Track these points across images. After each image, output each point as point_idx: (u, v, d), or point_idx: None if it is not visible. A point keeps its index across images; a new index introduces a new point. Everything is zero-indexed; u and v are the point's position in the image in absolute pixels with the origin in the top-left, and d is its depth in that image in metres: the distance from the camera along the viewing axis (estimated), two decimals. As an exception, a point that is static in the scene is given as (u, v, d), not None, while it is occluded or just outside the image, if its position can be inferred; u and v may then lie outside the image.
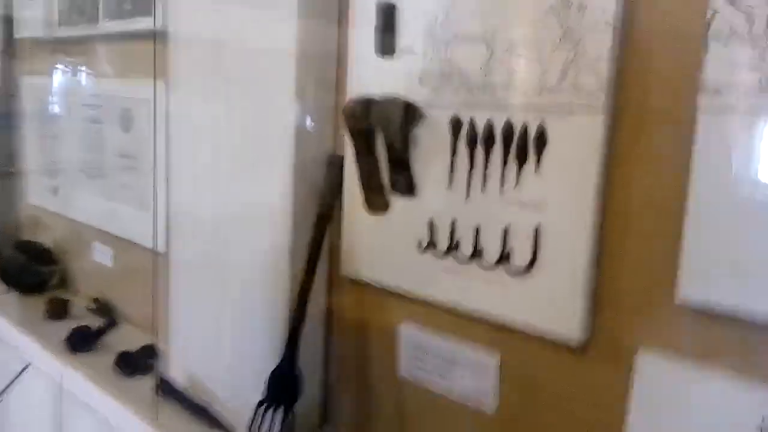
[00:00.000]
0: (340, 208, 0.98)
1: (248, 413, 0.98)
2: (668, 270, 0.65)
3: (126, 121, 1.40)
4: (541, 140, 0.73)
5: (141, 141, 1.36)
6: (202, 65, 1.11)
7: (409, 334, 0.92)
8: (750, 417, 0.61)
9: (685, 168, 0.63)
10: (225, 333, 1.11)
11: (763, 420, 0.61)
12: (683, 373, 0.66)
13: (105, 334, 1.39)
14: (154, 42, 1.11)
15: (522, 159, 0.75)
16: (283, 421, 0.93)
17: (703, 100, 0.62)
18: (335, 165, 0.97)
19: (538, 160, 0.74)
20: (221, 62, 1.07)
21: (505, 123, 0.76)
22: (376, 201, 0.92)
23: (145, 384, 1.21)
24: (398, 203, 0.90)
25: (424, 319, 0.91)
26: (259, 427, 0.94)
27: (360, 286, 0.99)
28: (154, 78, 1.13)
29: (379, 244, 0.93)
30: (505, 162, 0.77)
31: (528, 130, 0.74)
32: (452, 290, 0.85)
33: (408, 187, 0.88)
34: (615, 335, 0.71)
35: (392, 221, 0.91)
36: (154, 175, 1.17)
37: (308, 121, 0.97)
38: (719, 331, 0.64)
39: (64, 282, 1.76)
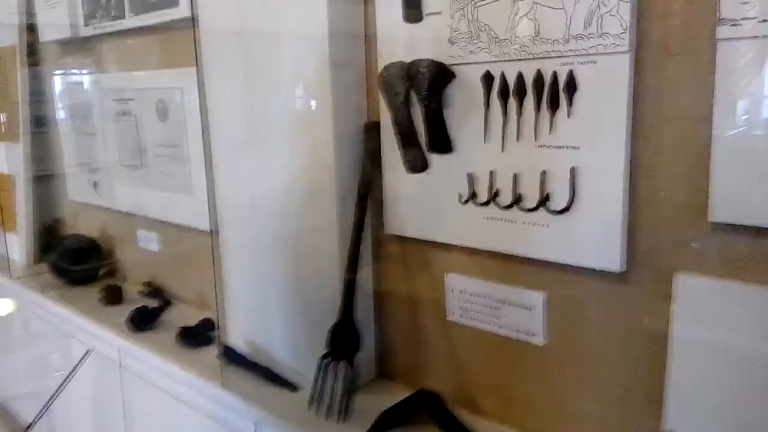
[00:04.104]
0: (381, 171, 1.04)
1: (307, 371, 1.05)
2: (699, 194, 0.71)
3: (161, 111, 1.47)
4: (571, 86, 0.78)
5: (178, 128, 1.43)
6: (233, 50, 1.16)
7: (456, 281, 0.99)
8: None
9: (709, 97, 0.69)
10: (281, 299, 1.19)
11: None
12: (719, 288, 0.72)
13: (162, 313, 1.48)
14: (194, 26, 1.16)
15: (554, 106, 0.80)
16: (346, 372, 1.00)
17: (721, 32, 0.66)
18: (373, 131, 1.03)
19: (570, 106, 0.79)
20: (252, 46, 1.12)
21: (535, 73, 0.81)
22: (415, 161, 0.98)
23: (207, 354, 1.30)
24: (437, 161, 0.96)
25: (469, 266, 0.97)
26: (324, 379, 1.01)
27: (405, 242, 1.05)
28: (197, 60, 1.18)
29: (421, 201, 1.00)
30: (538, 110, 0.82)
31: (558, 77, 0.79)
32: (495, 236, 0.91)
33: (445, 145, 0.94)
34: (653, 261, 0.77)
35: (432, 178, 0.97)
36: (205, 156, 1.23)
37: (344, 93, 1.02)
38: (750, 246, 0.70)
39: (112, 271, 1.85)
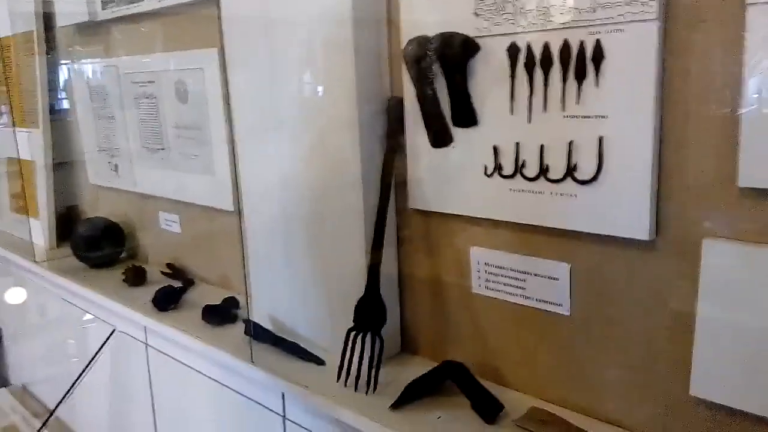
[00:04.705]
0: (405, 146, 1.04)
1: (332, 348, 1.07)
2: (728, 160, 0.71)
3: (181, 93, 1.48)
4: (599, 55, 0.78)
5: (199, 110, 1.44)
6: (254, 29, 1.17)
7: (481, 254, 1.00)
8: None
9: (738, 62, 0.69)
10: (306, 277, 1.20)
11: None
12: (748, 253, 0.72)
13: (186, 292, 1.50)
14: (218, 6, 1.17)
15: (581, 76, 0.81)
16: (373, 343, 1.02)
17: (753, -4, 0.66)
18: (396, 107, 1.04)
19: (597, 75, 0.79)
20: (273, 23, 1.13)
21: (562, 43, 0.81)
22: (439, 135, 0.99)
23: (232, 332, 1.32)
24: (461, 134, 0.97)
25: (494, 238, 0.98)
26: (352, 351, 1.03)
27: (429, 216, 1.06)
28: (221, 40, 1.18)
29: (445, 175, 1.00)
30: (564, 81, 0.82)
31: (584, 47, 0.79)
32: (521, 208, 0.92)
33: (469, 118, 0.94)
34: (681, 227, 0.78)
35: (456, 152, 0.98)
36: (232, 136, 1.24)
37: (367, 69, 1.03)
38: (781, 210, 0.70)
39: (134, 253, 1.87)
